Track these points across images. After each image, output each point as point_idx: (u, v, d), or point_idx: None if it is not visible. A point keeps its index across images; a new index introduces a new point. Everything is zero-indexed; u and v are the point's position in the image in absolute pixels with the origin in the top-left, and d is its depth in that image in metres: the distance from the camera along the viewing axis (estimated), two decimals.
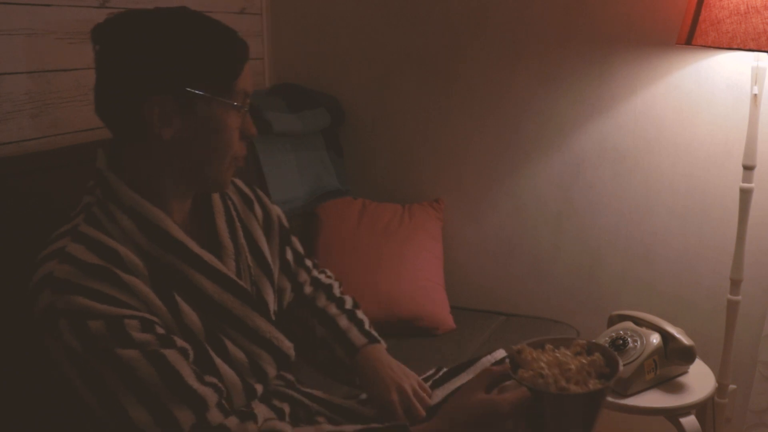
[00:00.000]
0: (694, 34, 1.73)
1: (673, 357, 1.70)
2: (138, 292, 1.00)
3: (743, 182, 1.85)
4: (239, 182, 1.31)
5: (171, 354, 0.98)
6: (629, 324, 1.78)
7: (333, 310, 1.35)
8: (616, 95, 2.10)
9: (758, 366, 2.04)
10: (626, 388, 1.66)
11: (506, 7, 2.16)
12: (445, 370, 1.37)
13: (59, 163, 1.44)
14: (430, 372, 1.38)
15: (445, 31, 2.24)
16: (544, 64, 2.15)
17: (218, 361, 1.07)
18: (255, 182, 1.96)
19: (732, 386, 1.98)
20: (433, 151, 2.33)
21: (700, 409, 1.74)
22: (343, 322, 1.33)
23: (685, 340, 1.70)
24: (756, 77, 1.79)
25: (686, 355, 1.70)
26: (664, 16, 2.00)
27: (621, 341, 1.72)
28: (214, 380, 1.04)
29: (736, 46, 1.67)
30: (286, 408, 1.18)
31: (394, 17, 2.29)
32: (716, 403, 1.92)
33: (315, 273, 1.42)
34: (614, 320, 1.84)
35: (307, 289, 1.39)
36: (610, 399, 1.67)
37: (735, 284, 1.90)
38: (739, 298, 1.91)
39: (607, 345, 1.73)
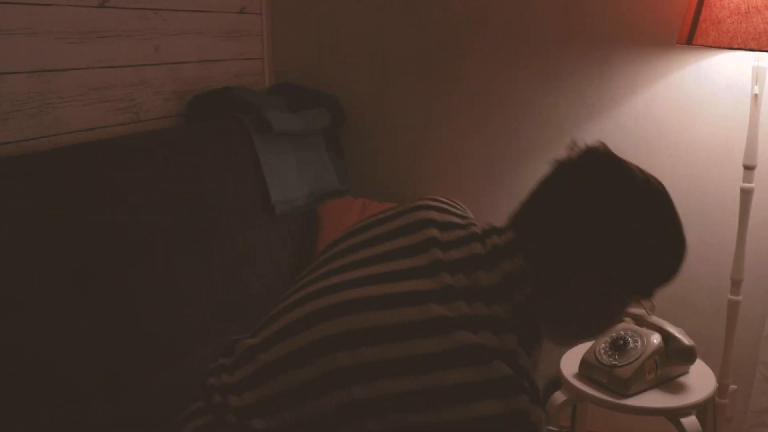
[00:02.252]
0: (694, 34, 1.73)
1: (674, 357, 1.70)
2: None
3: (744, 182, 1.85)
4: None
5: None
6: (630, 324, 1.77)
7: None
8: (617, 95, 2.10)
9: (759, 366, 2.04)
10: (627, 388, 1.66)
11: (506, 7, 2.16)
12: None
13: (59, 163, 1.44)
14: None
15: (445, 31, 2.24)
16: (544, 64, 2.15)
17: None
18: (255, 182, 1.96)
19: (733, 386, 1.98)
20: (433, 151, 2.33)
21: (701, 409, 1.74)
22: None
23: (686, 340, 1.70)
24: (756, 77, 1.79)
25: (687, 356, 1.70)
26: (665, 16, 2.00)
27: (622, 341, 1.72)
28: None
29: (736, 46, 1.67)
30: None
31: (394, 17, 2.29)
32: (717, 403, 1.92)
33: None
34: None
35: None
36: (610, 399, 1.67)
37: (735, 284, 1.90)
38: (739, 298, 1.90)
39: (607, 345, 1.73)
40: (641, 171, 1.05)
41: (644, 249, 0.97)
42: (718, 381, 1.89)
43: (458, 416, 0.84)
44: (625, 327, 1.76)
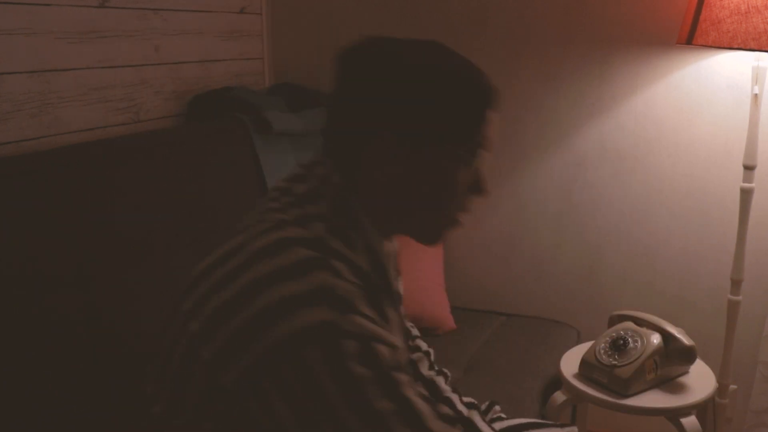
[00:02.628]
0: (694, 34, 1.73)
1: (674, 357, 1.70)
2: (393, 324, 0.95)
3: (744, 182, 1.85)
4: None
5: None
6: (630, 324, 1.77)
7: (442, 383, 1.30)
8: (617, 95, 2.10)
9: (759, 366, 2.04)
10: (627, 388, 1.66)
11: (506, 7, 2.16)
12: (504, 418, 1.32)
13: (59, 163, 1.43)
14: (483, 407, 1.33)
15: (445, 31, 2.24)
16: (544, 63, 2.15)
17: None
18: (255, 182, 1.96)
19: (733, 386, 1.98)
20: None
21: (701, 409, 1.74)
22: (458, 404, 1.28)
23: (686, 340, 1.70)
24: (756, 77, 1.79)
25: (687, 356, 1.70)
26: (665, 16, 2.00)
27: (621, 341, 1.71)
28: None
29: (736, 46, 1.67)
30: None
31: (394, 17, 2.29)
32: (717, 403, 1.92)
33: (417, 339, 1.35)
34: (615, 320, 1.84)
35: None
36: (610, 399, 1.67)
37: (735, 284, 1.90)
38: (739, 298, 1.90)
39: (607, 345, 1.73)
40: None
41: (424, 90, 0.96)
42: (718, 381, 1.89)
43: (266, 303, 0.86)
44: (625, 327, 1.76)
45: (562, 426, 1.28)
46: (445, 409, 0.99)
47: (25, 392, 1.21)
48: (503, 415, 1.31)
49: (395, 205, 1.01)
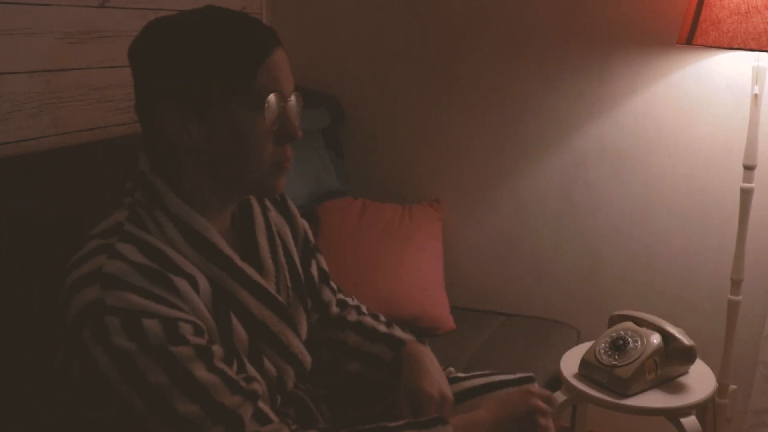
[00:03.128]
0: (694, 34, 1.73)
1: (674, 357, 1.70)
2: (189, 299, 0.96)
3: (744, 182, 1.85)
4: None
5: (218, 360, 0.95)
6: (630, 324, 1.77)
7: (369, 321, 1.30)
8: (617, 95, 2.10)
9: (759, 366, 2.04)
10: (627, 388, 1.66)
11: (506, 7, 2.16)
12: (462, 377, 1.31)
13: (59, 163, 1.44)
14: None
15: (445, 31, 2.24)
16: (544, 63, 2.15)
17: (258, 377, 1.05)
18: None
19: (733, 386, 1.98)
20: (433, 151, 2.33)
21: (701, 409, 1.74)
22: (382, 328, 1.29)
23: (686, 340, 1.70)
24: (756, 77, 1.79)
25: (687, 356, 1.70)
26: (665, 16, 2.00)
27: (621, 341, 1.72)
28: (255, 387, 0.99)
29: (736, 46, 1.67)
30: (292, 412, 1.18)
31: (394, 17, 2.29)
32: (717, 403, 1.92)
33: (340, 296, 1.37)
34: (615, 320, 1.84)
35: (334, 310, 1.33)
36: (610, 399, 1.67)
37: (735, 284, 1.90)
38: (739, 298, 1.90)
39: (607, 345, 1.73)
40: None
41: (187, 50, 0.98)
42: (718, 381, 1.89)
43: (62, 296, 0.96)
44: (625, 327, 1.76)
45: (519, 378, 1.27)
46: (255, 386, 0.98)
47: (25, 392, 1.21)
48: (460, 375, 1.30)
49: (206, 172, 1.02)
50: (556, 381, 1.82)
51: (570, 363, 1.81)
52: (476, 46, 2.22)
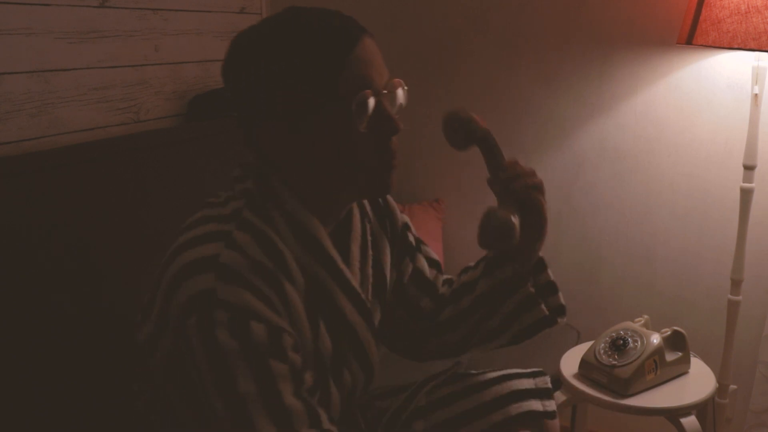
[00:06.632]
0: (694, 34, 1.73)
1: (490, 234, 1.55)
2: (294, 309, 0.94)
3: (744, 182, 1.85)
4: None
5: (306, 389, 0.93)
6: (629, 324, 1.78)
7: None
8: (617, 95, 2.10)
9: (759, 366, 2.03)
10: (627, 388, 1.66)
11: (506, 7, 2.16)
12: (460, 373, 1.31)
13: (58, 163, 1.44)
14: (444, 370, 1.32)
15: (445, 31, 2.24)
16: (544, 63, 2.15)
17: (333, 390, 1.03)
18: None
19: (732, 386, 1.98)
20: (433, 151, 2.33)
21: (701, 409, 1.74)
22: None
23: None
24: (756, 77, 1.79)
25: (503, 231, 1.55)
26: (665, 16, 2.00)
27: (621, 341, 1.72)
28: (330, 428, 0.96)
29: (736, 46, 1.67)
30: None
31: (393, 17, 2.29)
32: (717, 403, 1.92)
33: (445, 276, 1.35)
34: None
35: (442, 290, 1.31)
36: (610, 399, 1.67)
37: (735, 284, 1.90)
38: (739, 298, 1.90)
39: (607, 345, 1.73)
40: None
41: (274, 69, 0.96)
42: (718, 381, 1.89)
43: (171, 274, 0.92)
44: (625, 327, 1.76)
45: (532, 372, 1.27)
46: (327, 425, 0.93)
47: (25, 392, 1.21)
48: (472, 372, 1.30)
49: (313, 178, 1.01)
50: (556, 381, 1.82)
51: (570, 363, 1.81)
52: (476, 46, 2.22)
